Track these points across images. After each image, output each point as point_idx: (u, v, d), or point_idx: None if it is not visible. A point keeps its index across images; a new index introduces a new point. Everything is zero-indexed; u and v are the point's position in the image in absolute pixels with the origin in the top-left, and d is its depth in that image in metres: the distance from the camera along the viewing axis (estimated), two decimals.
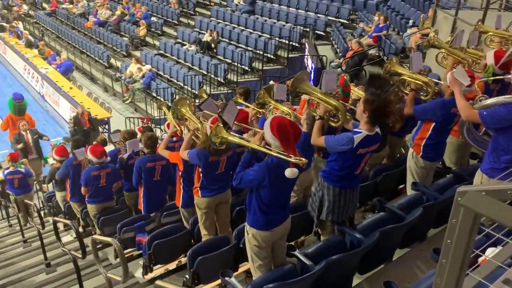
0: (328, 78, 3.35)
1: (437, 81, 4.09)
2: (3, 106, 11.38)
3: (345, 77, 3.96)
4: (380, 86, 2.94)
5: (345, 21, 12.42)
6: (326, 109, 3.27)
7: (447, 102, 3.60)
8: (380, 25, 10.29)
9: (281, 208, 3.09)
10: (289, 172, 2.73)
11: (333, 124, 3.28)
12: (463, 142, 4.04)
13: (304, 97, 3.93)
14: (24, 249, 6.72)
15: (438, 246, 1.41)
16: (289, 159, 2.68)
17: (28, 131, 9.33)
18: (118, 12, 18.14)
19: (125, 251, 5.21)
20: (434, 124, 3.72)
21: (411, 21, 10.15)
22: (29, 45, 18.03)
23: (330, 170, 3.23)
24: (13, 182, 7.70)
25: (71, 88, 13.79)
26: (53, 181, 7.03)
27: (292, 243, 3.99)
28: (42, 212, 6.99)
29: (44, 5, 23.23)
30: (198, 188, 4.11)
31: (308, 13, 13.31)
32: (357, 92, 4.51)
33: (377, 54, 10.11)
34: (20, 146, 8.93)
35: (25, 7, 23.22)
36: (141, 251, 4.83)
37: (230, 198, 4.33)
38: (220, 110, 4.57)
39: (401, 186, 4.75)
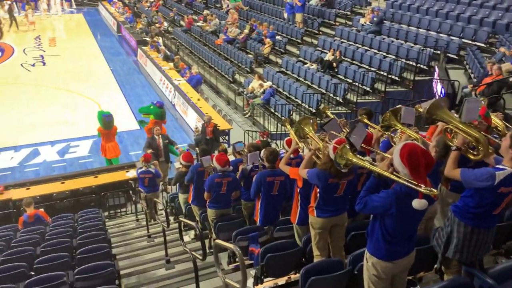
0: (470, 107, 3.10)
1: None
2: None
3: (486, 108, 3.63)
4: None
5: (483, 45, 11.45)
6: (465, 140, 3.04)
7: None
8: None
9: (406, 240, 2.94)
10: (418, 203, 2.59)
11: (472, 157, 3.03)
12: None
13: (436, 124, 3.71)
14: (148, 243, 7.37)
15: None
16: (419, 189, 2.55)
17: (160, 136, 10.31)
18: (246, 31, 19.17)
19: (237, 259, 5.43)
20: None
21: None
22: (166, 58, 19.95)
23: (463, 205, 2.98)
24: (144, 181, 8.54)
25: (198, 99, 14.89)
26: (178, 183, 7.64)
27: (410, 277, 3.76)
28: (167, 211, 7.59)
29: (182, 22, 25.56)
30: (314, 208, 4.09)
31: (440, 34, 12.57)
32: (495, 121, 4.12)
33: None
34: (149, 153, 9.85)
35: (165, 24, 25.82)
36: (252, 261, 4.96)
37: (346, 222, 4.24)
38: (345, 130, 4.55)
39: None
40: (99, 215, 7.88)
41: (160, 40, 22.87)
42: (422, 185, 2.59)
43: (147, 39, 23.06)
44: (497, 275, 3.07)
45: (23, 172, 11.55)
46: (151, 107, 11.67)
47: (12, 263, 5.29)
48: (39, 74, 19.87)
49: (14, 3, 31.29)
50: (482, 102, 4.37)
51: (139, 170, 8.69)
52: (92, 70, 20.56)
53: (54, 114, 15.31)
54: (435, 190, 2.59)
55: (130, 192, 9.87)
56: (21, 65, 21.08)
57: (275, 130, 12.82)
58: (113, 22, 29.80)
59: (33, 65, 21.22)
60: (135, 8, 32.48)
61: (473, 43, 11.61)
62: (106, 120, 10.81)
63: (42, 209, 7.84)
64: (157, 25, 25.39)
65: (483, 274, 3.03)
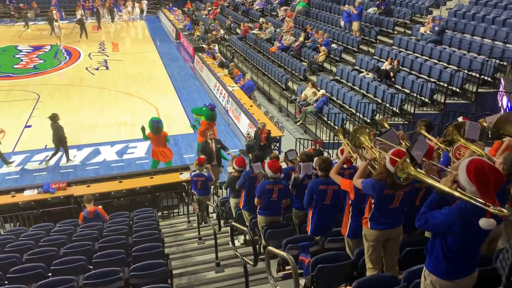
0: None
1: None
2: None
3: None
4: None
5: None
6: None
7: None
8: None
9: (468, 259, 2.81)
10: (485, 223, 2.47)
11: None
12: None
13: (503, 139, 3.52)
14: (198, 245, 7.51)
15: None
16: (487, 208, 2.42)
17: (213, 140, 10.52)
18: (301, 38, 19.17)
19: (286, 267, 5.40)
20: None
21: None
22: (221, 65, 20.37)
23: None
24: (197, 184, 8.74)
25: (251, 106, 15.05)
26: (229, 188, 7.75)
27: None
28: (219, 215, 7.71)
29: (237, 30, 26.02)
30: (368, 219, 4.01)
31: (507, 45, 11.92)
32: None
33: None
34: (203, 157, 10.06)
35: (222, 31, 26.39)
36: (301, 271, 4.92)
37: (401, 236, 4.12)
38: (407, 144, 4.43)
39: None
40: (153, 215, 8.14)
41: (216, 47, 23.40)
42: (491, 204, 2.46)
43: (204, 46, 23.67)
44: None
45: (84, 170, 12.18)
46: (203, 108, 11.95)
47: (72, 256, 5.59)
48: (102, 77, 20.94)
49: (83, 11, 33.31)
50: None
51: (193, 173, 8.90)
52: (151, 75, 21.38)
53: (114, 116, 16.06)
54: (505, 210, 2.45)
55: (183, 193, 10.12)
56: (86, 68, 22.32)
57: (328, 139, 12.68)
58: (172, 29, 30.86)
59: (97, 68, 22.40)
60: (193, 15, 33.48)
61: None
62: (154, 125, 11.17)
63: (100, 206, 8.22)
64: (213, 32, 26.00)
65: None
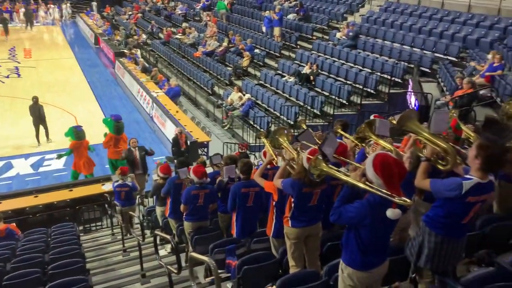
0: (439, 118, 3.19)
1: None
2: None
3: (457, 120, 3.73)
4: (498, 132, 2.75)
5: (454, 59, 11.81)
6: (434, 150, 3.11)
7: None
8: (495, 64, 9.59)
9: (380, 250, 2.97)
10: (391, 213, 2.63)
11: (440, 167, 3.10)
12: None
13: (409, 135, 3.78)
14: (123, 258, 7.22)
15: None
16: (392, 199, 2.59)
17: (136, 148, 10.19)
18: (224, 44, 19.27)
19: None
20: None
21: None
22: (144, 70, 19.84)
23: (434, 215, 3.04)
24: (120, 194, 8.41)
25: (177, 111, 14.82)
26: (155, 196, 7.55)
27: (386, 287, 3.79)
28: (142, 225, 7.47)
29: (160, 35, 25.53)
30: (289, 218, 4.11)
31: (414, 49, 12.92)
32: (466, 131, 4.23)
33: (489, 95, 9.41)
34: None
35: (144, 36, 25.73)
36: (229, 274, 4.92)
37: (321, 232, 4.27)
38: (320, 142, 4.59)
39: None
40: (74, 229, 7.69)
41: (138, 52, 22.78)
42: (396, 195, 2.63)
43: (125, 51, 22.93)
44: (469, 283, 3.13)
45: None
46: (108, 119, 11.46)
47: None
48: (13, 85, 19.46)
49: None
50: (454, 114, 4.49)
51: (115, 184, 8.55)
52: (69, 82, 20.25)
53: (28, 126, 14.94)
54: (408, 200, 2.64)
55: (106, 205, 9.69)
56: None
57: (254, 142, 12.85)
58: (90, 34, 29.53)
59: (7, 76, 20.78)
60: (113, 20, 32.30)
61: (445, 57, 11.96)
62: (77, 129, 10.62)
63: (14, 224, 7.60)
64: (135, 37, 25.28)
65: (455, 282, 3.08)
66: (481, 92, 9.40)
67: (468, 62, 11.31)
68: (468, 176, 2.84)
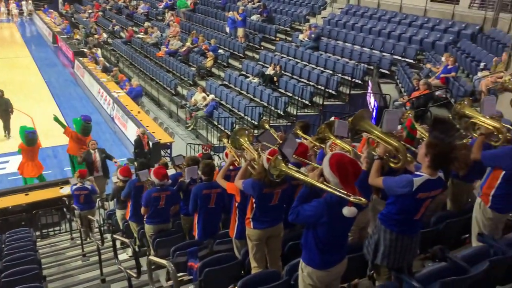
0: (390, 118, 3.29)
1: (509, 127, 3.88)
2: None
3: (412, 120, 3.85)
4: (445, 130, 2.85)
5: (411, 61, 12.21)
6: (386, 149, 3.20)
7: None
8: (449, 67, 9.99)
9: (338, 248, 3.03)
10: (348, 211, 2.69)
11: (392, 165, 3.20)
12: None
13: (366, 135, 3.88)
14: (83, 263, 7.02)
15: None
16: (348, 197, 2.64)
17: (96, 150, 9.91)
18: (188, 44, 19.09)
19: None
20: (504, 173, 3.50)
21: (482, 64, 9.76)
22: (105, 70, 19.37)
23: (387, 213, 3.13)
24: (79, 198, 8.16)
25: (139, 112, 14.55)
26: (115, 199, 7.37)
27: (345, 285, 3.87)
28: (101, 229, 7.29)
29: (122, 34, 25.00)
30: (250, 219, 4.11)
31: (373, 51, 13.25)
32: (421, 131, 4.37)
33: (444, 96, 9.79)
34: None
35: (104, 35, 25.12)
36: (191, 277, 4.87)
37: (282, 232, 4.29)
38: (279, 143, 4.63)
39: (466, 236, 4.47)
40: (30, 235, 7.39)
41: (99, 51, 22.22)
42: (351, 194, 2.69)
43: (85, 50, 22.30)
44: (423, 278, 3.23)
45: None
46: (78, 119, 11.13)
47: None
48: None
49: None
50: (410, 114, 4.64)
51: (74, 187, 8.29)
52: (25, 82, 19.47)
53: None
54: (363, 199, 2.70)
55: (65, 209, 9.37)
56: None
57: (218, 143, 12.79)
58: (48, 32, 28.55)
59: None
60: (72, 18, 31.35)
61: (403, 59, 12.34)
62: (29, 136, 10.23)
63: None
64: (95, 36, 24.63)
65: (410, 278, 3.17)
66: (437, 93, 9.76)
67: (424, 64, 11.72)
68: (418, 173, 2.94)
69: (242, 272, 4.44)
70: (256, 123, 12.93)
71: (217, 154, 11.99)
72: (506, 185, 3.53)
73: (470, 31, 11.76)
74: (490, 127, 3.67)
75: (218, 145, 12.62)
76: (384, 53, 12.88)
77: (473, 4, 13.67)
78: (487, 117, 3.75)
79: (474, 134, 3.77)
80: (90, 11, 30.43)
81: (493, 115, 3.84)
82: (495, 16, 11.40)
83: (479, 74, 9.38)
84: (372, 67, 12.64)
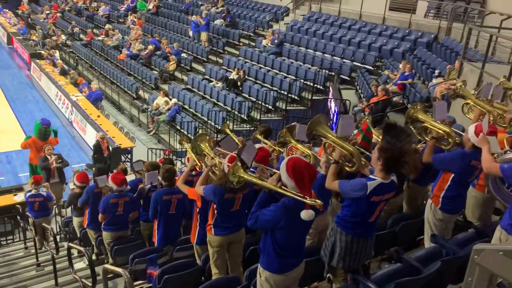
0: (345, 123, 3.36)
1: (459, 132, 4.05)
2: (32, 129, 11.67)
3: (368, 123, 3.95)
4: (396, 135, 2.94)
5: (371, 68, 12.55)
6: (341, 153, 3.26)
7: (467, 154, 3.55)
8: (406, 73, 10.34)
9: (296, 252, 3.05)
10: (305, 214, 2.71)
11: (348, 169, 3.27)
12: (488, 197, 3.95)
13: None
14: (37, 273, 6.74)
15: None
16: (304, 200, 2.67)
17: (52, 156, 9.55)
18: (150, 47, 18.81)
19: (135, 283, 5.17)
20: (453, 175, 3.65)
21: (437, 71, 10.16)
22: (63, 73, 18.79)
23: (343, 216, 3.19)
24: (33, 205, 7.83)
25: (98, 116, 14.19)
26: (72, 206, 7.13)
27: None
28: (58, 237, 7.04)
29: (82, 36, 24.32)
30: (212, 226, 4.08)
31: (334, 57, 13.52)
32: (376, 135, 4.49)
33: (401, 101, 10.11)
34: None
35: (63, 37, 24.34)
36: (151, 284, 4.78)
37: (244, 238, 4.28)
38: (239, 149, 4.63)
39: (421, 237, 4.61)
40: None
41: (57, 53, 21.53)
42: (307, 197, 2.72)
43: (42, 52, 21.54)
44: (379, 280, 3.30)
45: None
46: (38, 122, 10.72)
47: None
48: None
49: None
50: (368, 120, 4.76)
51: (28, 194, 7.96)
52: None
53: None
54: (319, 201, 2.73)
55: (18, 217, 8.96)
56: None
57: (181, 148, 12.63)
58: (2, 33, 27.40)
59: None
60: (28, 19, 30.21)
61: (363, 66, 12.66)
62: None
63: None
64: (53, 38, 23.85)
65: (366, 279, 3.24)
66: (394, 99, 10.07)
67: (382, 70, 12.07)
68: (372, 177, 3.01)
69: (203, 278, 4.39)
70: (219, 128, 12.88)
71: (179, 159, 11.86)
72: (455, 187, 3.68)
73: (426, 39, 12.22)
74: (441, 132, 3.82)
75: (180, 150, 12.48)
76: (344, 60, 13.16)
77: (428, 13, 14.26)
78: (438, 121, 3.89)
79: (426, 138, 3.91)
80: (48, 12, 29.45)
81: (445, 120, 3.99)
82: (448, 25, 11.91)
83: (434, 81, 9.77)
84: (333, 73, 12.89)
